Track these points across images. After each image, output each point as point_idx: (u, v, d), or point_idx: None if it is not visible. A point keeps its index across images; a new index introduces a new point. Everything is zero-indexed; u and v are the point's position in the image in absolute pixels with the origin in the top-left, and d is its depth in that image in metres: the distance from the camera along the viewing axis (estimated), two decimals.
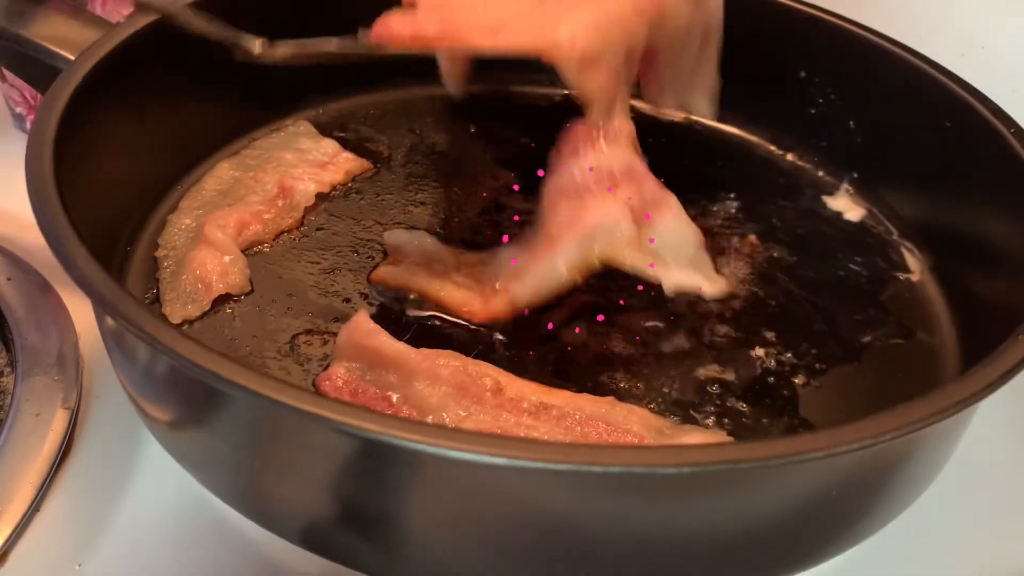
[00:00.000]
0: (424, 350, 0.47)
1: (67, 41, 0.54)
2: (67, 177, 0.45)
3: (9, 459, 0.47)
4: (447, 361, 0.46)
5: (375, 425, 0.33)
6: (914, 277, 0.59)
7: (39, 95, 0.57)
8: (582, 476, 0.34)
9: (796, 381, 0.51)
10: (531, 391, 0.46)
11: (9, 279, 0.55)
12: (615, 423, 0.45)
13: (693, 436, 0.46)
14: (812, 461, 0.34)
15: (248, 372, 0.34)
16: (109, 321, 0.44)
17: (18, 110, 0.71)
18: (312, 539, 0.42)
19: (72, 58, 0.53)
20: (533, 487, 0.36)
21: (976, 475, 0.52)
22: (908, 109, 0.61)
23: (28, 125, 0.71)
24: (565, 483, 0.35)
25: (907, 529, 0.47)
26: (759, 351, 0.52)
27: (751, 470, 0.34)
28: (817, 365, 0.52)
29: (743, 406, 0.49)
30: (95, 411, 0.52)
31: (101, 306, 0.37)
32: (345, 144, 0.65)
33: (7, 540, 0.45)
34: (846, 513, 0.41)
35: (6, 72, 0.67)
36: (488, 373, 0.46)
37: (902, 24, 0.65)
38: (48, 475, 0.47)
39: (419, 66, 0.69)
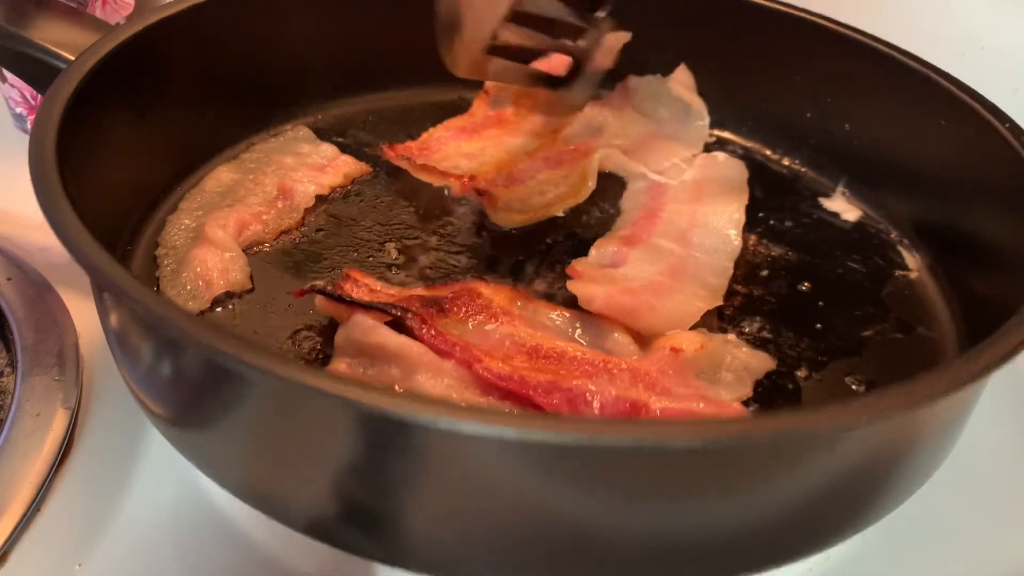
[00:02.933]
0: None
1: (67, 42, 0.54)
2: (69, 175, 0.45)
3: (9, 459, 0.47)
4: None
5: (389, 401, 0.33)
6: (912, 275, 0.59)
7: (39, 95, 0.57)
8: (594, 450, 0.34)
9: (798, 374, 0.51)
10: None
11: (9, 279, 0.55)
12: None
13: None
14: (829, 434, 0.34)
15: (270, 355, 0.34)
16: (113, 320, 0.44)
17: (18, 110, 0.71)
18: (319, 527, 0.41)
19: (72, 58, 0.53)
20: (541, 462, 0.35)
21: (976, 472, 0.52)
22: (902, 110, 0.62)
23: (28, 125, 0.72)
24: (578, 458, 0.35)
25: (908, 526, 0.47)
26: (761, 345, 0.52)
27: (773, 440, 0.34)
28: (819, 358, 0.52)
29: (747, 400, 0.49)
30: (95, 411, 0.51)
31: (117, 295, 0.37)
32: (344, 149, 0.65)
33: (7, 540, 0.44)
34: (856, 493, 0.41)
35: (6, 72, 0.67)
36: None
37: (902, 25, 0.66)
38: (48, 475, 0.47)
39: (417, 72, 0.70)
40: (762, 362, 0.50)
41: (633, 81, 0.70)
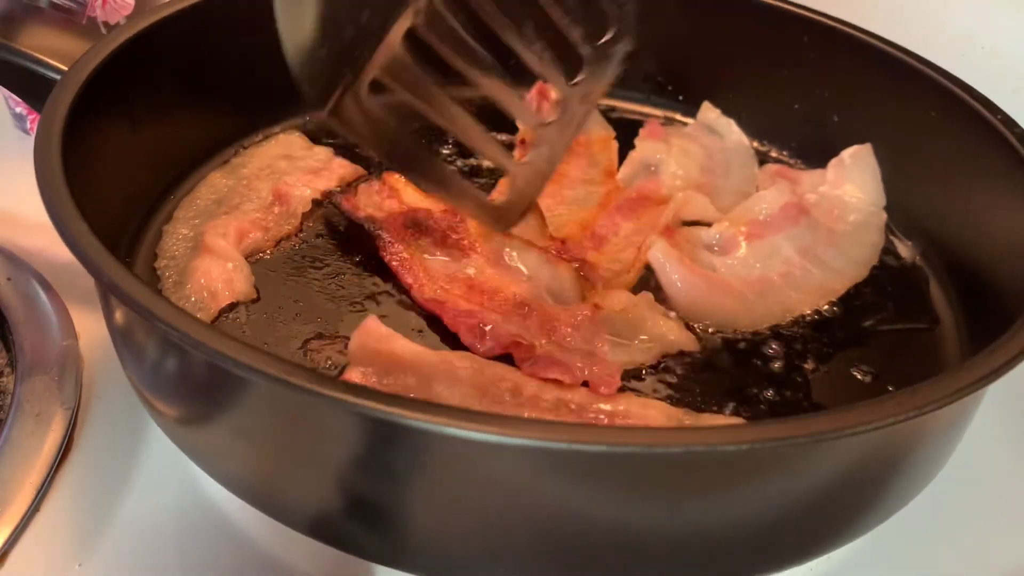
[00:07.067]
0: (441, 352, 0.47)
1: (58, 51, 0.53)
2: (74, 192, 0.44)
3: (9, 459, 0.46)
4: (465, 363, 0.46)
5: (399, 408, 0.33)
6: (907, 263, 0.60)
7: None
8: (628, 457, 0.34)
9: (806, 367, 0.51)
10: (549, 390, 0.46)
11: (9, 279, 0.55)
12: (635, 415, 0.45)
13: (716, 420, 0.46)
14: (855, 435, 0.35)
15: (286, 364, 0.34)
16: (121, 325, 0.44)
17: (18, 110, 0.71)
18: (322, 528, 0.41)
19: (64, 68, 0.52)
20: (561, 469, 0.36)
21: (975, 475, 0.52)
22: (892, 102, 0.62)
23: (28, 125, 0.71)
24: (607, 466, 0.35)
25: (908, 526, 0.47)
26: (769, 341, 0.53)
27: (806, 444, 0.35)
28: (824, 350, 0.52)
29: (758, 394, 0.49)
30: (95, 411, 0.51)
31: (136, 311, 0.36)
32: (335, 150, 0.64)
33: (7, 540, 0.44)
34: (862, 496, 0.41)
35: None
36: (506, 376, 0.46)
37: (902, 24, 0.66)
38: (48, 475, 0.47)
39: None
40: (681, 341, 0.50)
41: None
